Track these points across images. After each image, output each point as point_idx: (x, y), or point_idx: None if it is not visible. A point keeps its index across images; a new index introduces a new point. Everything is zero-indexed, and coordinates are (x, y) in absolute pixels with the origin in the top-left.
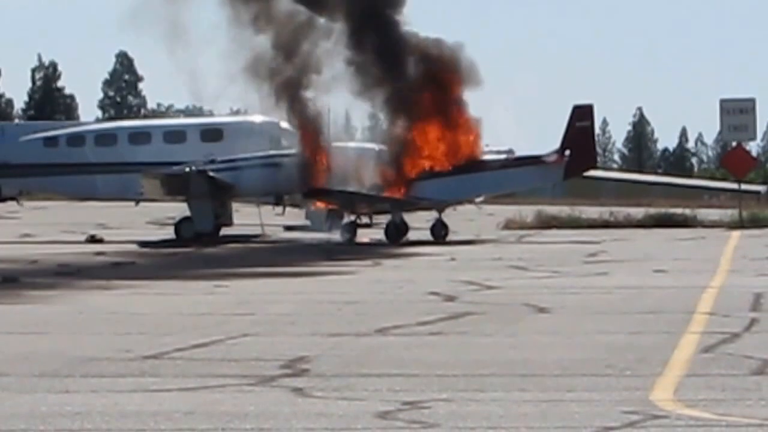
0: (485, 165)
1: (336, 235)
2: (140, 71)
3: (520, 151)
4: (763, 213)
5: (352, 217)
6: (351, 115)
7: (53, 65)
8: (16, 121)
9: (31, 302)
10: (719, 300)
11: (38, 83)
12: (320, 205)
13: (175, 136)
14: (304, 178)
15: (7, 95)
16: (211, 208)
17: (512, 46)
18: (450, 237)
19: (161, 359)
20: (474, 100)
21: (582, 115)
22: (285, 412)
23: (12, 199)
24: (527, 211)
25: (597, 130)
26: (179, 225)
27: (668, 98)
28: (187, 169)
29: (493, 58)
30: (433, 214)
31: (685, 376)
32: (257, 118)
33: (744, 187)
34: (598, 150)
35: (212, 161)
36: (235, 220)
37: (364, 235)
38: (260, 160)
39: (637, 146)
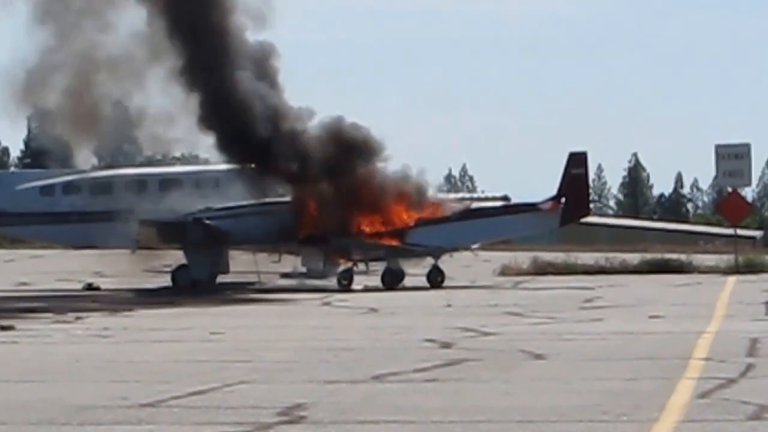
0: (481, 212)
1: (333, 282)
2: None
3: (516, 198)
4: (759, 258)
5: (349, 264)
6: None
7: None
8: (12, 169)
9: (28, 350)
10: (715, 345)
11: (34, 131)
12: (317, 252)
13: (171, 184)
14: (300, 226)
15: (3, 143)
16: (207, 256)
17: (509, 92)
18: (446, 283)
19: (158, 407)
20: (469, 147)
21: (576, 162)
22: None
23: None
24: (523, 258)
25: (592, 176)
26: (176, 273)
27: (663, 144)
28: (183, 218)
29: (489, 104)
30: (429, 261)
31: (681, 421)
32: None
33: (740, 232)
34: (594, 196)
35: (208, 209)
36: (232, 268)
37: (359, 282)
38: (256, 207)
39: (632, 192)
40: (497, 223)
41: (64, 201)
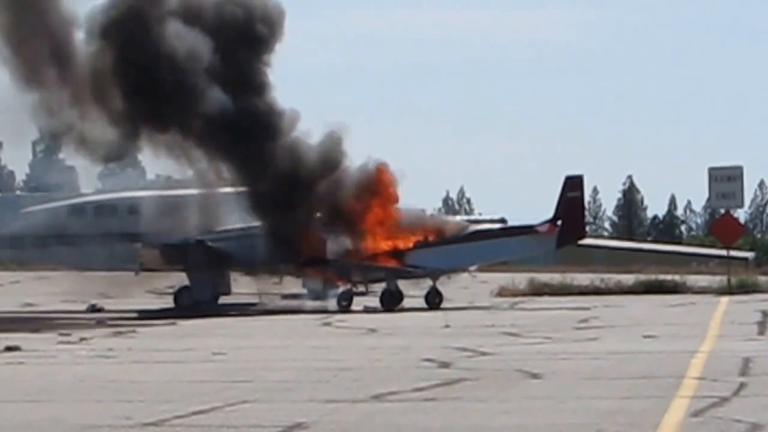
0: (479, 235)
1: (332, 303)
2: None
3: (513, 220)
4: (751, 279)
5: (349, 286)
6: None
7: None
8: (18, 192)
9: (33, 370)
10: (709, 364)
11: (39, 155)
12: (317, 273)
13: (173, 206)
14: (301, 248)
15: (9, 167)
16: (209, 278)
17: (506, 116)
18: (444, 304)
19: (161, 426)
20: (467, 170)
21: (573, 185)
22: None
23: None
24: (520, 279)
25: (588, 198)
26: (178, 294)
27: (657, 167)
28: (186, 240)
29: (486, 128)
30: (428, 282)
31: None
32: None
33: (732, 253)
34: (590, 218)
35: (210, 231)
36: (233, 289)
37: (359, 303)
38: (257, 230)
39: (627, 214)
40: (495, 245)
41: (69, 224)
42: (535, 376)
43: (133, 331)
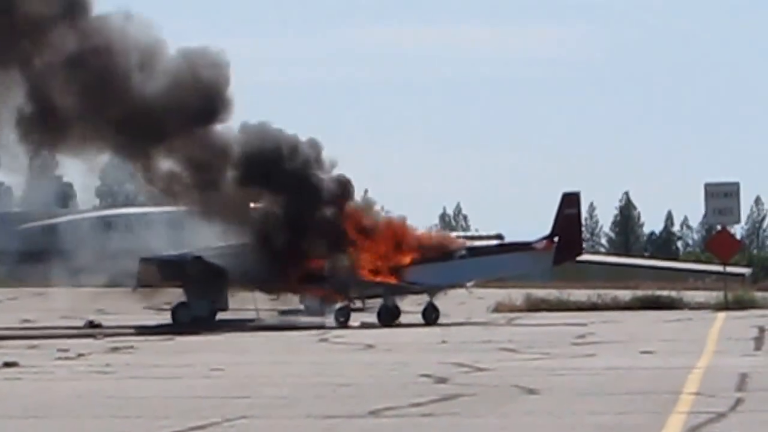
0: (476, 251)
1: (330, 319)
2: None
3: (510, 237)
4: (748, 295)
5: (346, 302)
6: None
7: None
8: (15, 209)
9: (31, 386)
10: (705, 380)
11: (36, 171)
12: (314, 290)
13: (173, 222)
14: (299, 264)
15: (6, 183)
16: (206, 294)
17: (503, 133)
18: (441, 320)
19: None
20: (464, 186)
21: (570, 202)
22: None
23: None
24: (517, 295)
25: (585, 215)
26: (176, 310)
27: (654, 183)
28: (184, 255)
29: (483, 144)
30: (424, 298)
31: None
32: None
33: (729, 269)
34: (587, 234)
35: (208, 247)
36: (231, 305)
37: (356, 319)
38: (255, 246)
39: (624, 230)
40: (492, 262)
41: (66, 240)
42: (532, 391)
43: (131, 347)
